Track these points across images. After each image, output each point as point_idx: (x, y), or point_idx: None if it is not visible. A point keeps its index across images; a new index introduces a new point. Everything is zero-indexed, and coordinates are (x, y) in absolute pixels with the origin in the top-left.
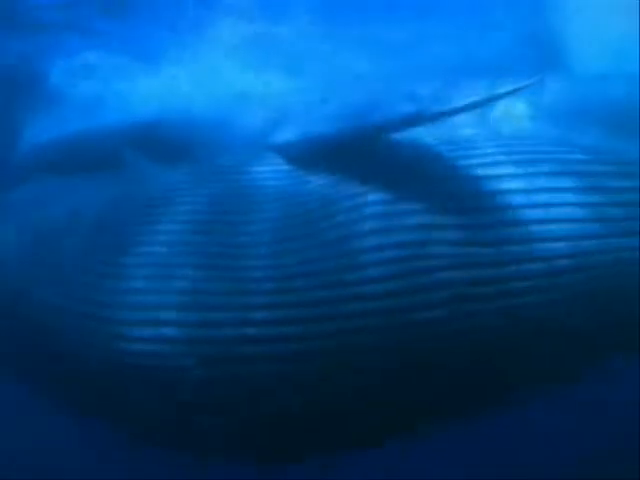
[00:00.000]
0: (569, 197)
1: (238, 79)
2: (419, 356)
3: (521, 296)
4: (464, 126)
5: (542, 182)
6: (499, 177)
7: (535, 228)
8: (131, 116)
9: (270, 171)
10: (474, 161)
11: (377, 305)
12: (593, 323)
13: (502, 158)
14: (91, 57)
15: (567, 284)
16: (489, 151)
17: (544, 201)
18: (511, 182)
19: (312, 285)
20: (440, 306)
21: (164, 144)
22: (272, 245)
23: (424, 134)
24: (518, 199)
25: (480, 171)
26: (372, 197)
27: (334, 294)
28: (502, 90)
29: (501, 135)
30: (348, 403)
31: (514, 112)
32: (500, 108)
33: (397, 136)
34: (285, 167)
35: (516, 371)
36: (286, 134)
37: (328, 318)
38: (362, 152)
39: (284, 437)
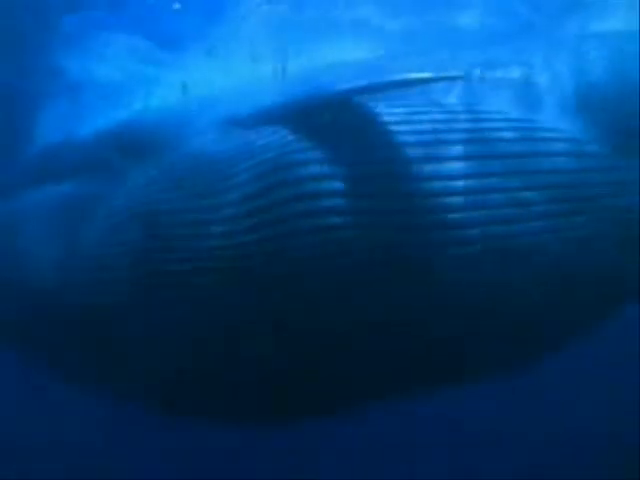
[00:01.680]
0: (490, 182)
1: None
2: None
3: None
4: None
5: (465, 167)
6: (424, 159)
7: (452, 215)
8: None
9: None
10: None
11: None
12: (508, 308)
13: (429, 137)
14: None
15: (482, 269)
16: (421, 128)
17: (464, 188)
18: (434, 166)
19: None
20: None
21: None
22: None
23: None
24: (438, 185)
25: (405, 153)
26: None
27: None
28: (437, 75)
29: (436, 111)
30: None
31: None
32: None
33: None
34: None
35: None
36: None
37: None
38: (311, 118)
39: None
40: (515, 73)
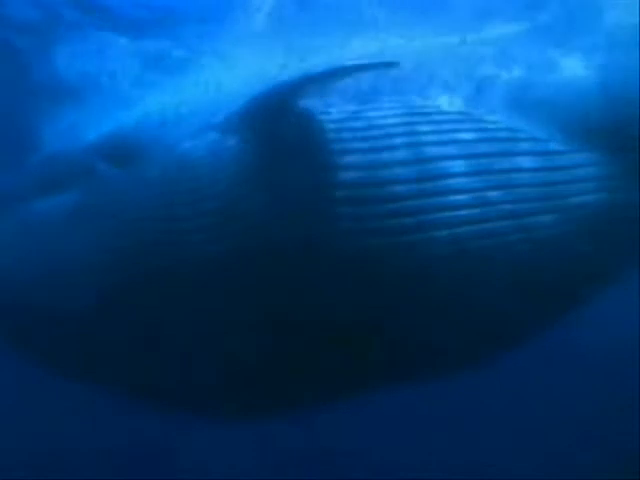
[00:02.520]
0: (455, 183)
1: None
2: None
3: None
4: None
5: (432, 169)
6: (391, 164)
7: (420, 217)
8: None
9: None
10: (365, 145)
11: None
12: (472, 308)
13: (397, 141)
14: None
15: (450, 270)
16: (384, 132)
17: (431, 190)
18: (402, 170)
19: None
20: None
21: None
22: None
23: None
24: (406, 189)
25: (370, 157)
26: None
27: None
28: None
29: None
30: None
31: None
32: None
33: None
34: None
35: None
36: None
37: None
38: (270, 119)
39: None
40: (478, 71)
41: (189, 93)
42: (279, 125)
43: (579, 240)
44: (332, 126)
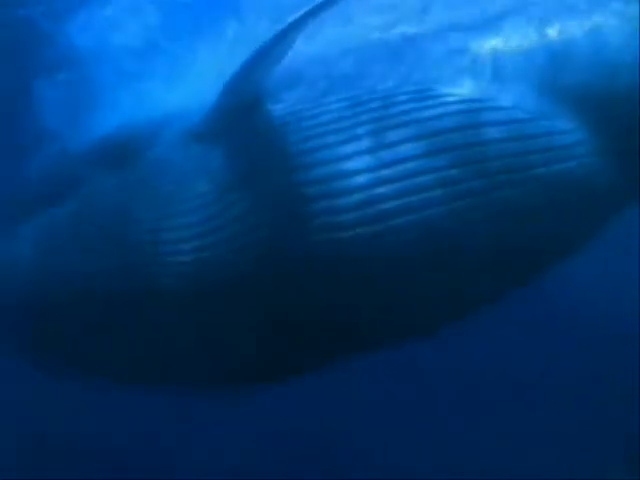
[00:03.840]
0: (416, 166)
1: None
2: None
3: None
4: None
5: (389, 155)
6: (347, 157)
7: (384, 205)
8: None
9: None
10: (329, 139)
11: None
12: (442, 285)
13: (357, 131)
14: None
15: (418, 253)
16: (347, 123)
17: (393, 176)
18: (359, 160)
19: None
20: None
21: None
22: None
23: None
24: (364, 179)
25: (334, 151)
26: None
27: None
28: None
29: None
30: None
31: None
32: None
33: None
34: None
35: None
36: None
37: None
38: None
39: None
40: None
41: (175, 92)
42: (247, 127)
43: (546, 211)
44: (295, 123)
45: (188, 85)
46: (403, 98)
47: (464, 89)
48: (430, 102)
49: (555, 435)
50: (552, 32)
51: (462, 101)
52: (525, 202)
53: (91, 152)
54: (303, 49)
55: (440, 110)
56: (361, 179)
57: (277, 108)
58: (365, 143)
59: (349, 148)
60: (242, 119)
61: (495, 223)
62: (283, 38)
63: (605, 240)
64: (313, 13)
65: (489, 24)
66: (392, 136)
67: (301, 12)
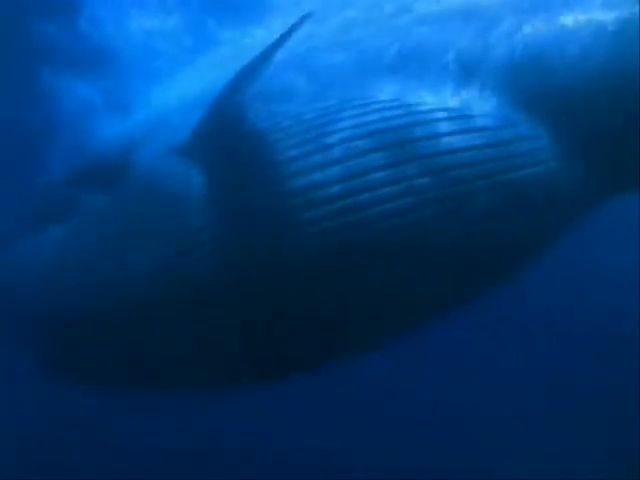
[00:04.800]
0: (384, 176)
1: None
2: None
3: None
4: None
5: (360, 164)
6: (314, 168)
7: (354, 215)
8: None
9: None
10: (305, 149)
11: None
12: (412, 292)
13: (329, 140)
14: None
15: (389, 261)
16: (318, 132)
17: (361, 186)
18: (327, 170)
19: None
20: None
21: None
22: None
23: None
24: (335, 189)
25: (308, 161)
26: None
27: None
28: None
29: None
30: None
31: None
32: None
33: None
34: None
35: None
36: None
37: None
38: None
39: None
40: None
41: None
42: (231, 144)
43: (515, 215)
44: (270, 135)
45: (167, 101)
46: (374, 107)
47: (433, 99)
48: (400, 111)
49: (554, 435)
50: (516, 41)
51: (430, 110)
52: (494, 207)
53: (80, 171)
54: (279, 60)
55: (409, 119)
56: (333, 189)
57: (255, 121)
58: (334, 152)
59: (320, 158)
60: (224, 136)
61: (465, 228)
62: (264, 60)
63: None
64: (288, 35)
65: (456, 34)
66: (363, 146)
67: (278, 37)
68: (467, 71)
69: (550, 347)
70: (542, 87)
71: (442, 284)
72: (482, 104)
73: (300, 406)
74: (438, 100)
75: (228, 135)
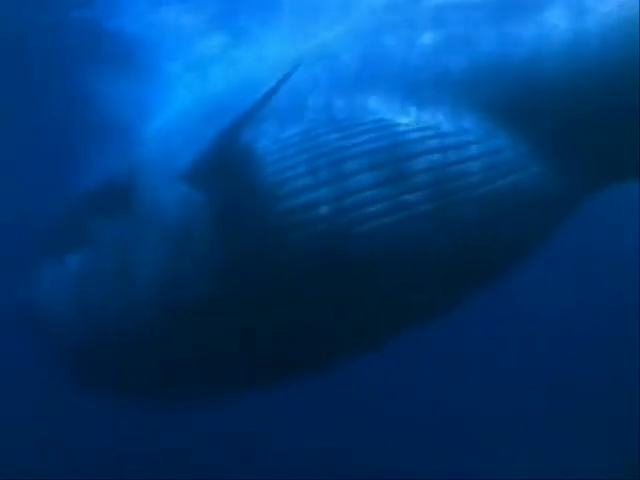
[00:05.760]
0: (372, 194)
1: None
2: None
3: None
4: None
5: (349, 185)
6: (306, 189)
7: (345, 233)
8: None
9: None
10: (297, 170)
11: None
12: (403, 302)
13: (320, 162)
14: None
15: (384, 273)
16: (309, 155)
17: (350, 205)
18: (316, 192)
19: None
20: None
21: None
22: None
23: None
24: (325, 210)
25: (300, 182)
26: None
27: None
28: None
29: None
30: None
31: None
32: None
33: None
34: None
35: None
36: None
37: None
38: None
39: None
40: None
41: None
42: (227, 170)
43: (501, 222)
44: (263, 158)
45: (170, 127)
46: (359, 129)
47: (413, 117)
48: (385, 132)
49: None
50: (487, 54)
51: (413, 129)
52: (480, 217)
53: (89, 198)
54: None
55: (394, 139)
56: (323, 210)
57: (248, 145)
58: (323, 174)
59: (310, 180)
60: (225, 164)
61: (453, 238)
62: (260, 105)
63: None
64: (282, 82)
65: (431, 52)
66: (350, 167)
67: (275, 81)
68: (443, 88)
69: (550, 347)
70: (515, 97)
71: (431, 292)
72: (460, 119)
73: (300, 406)
74: (418, 118)
75: (225, 162)
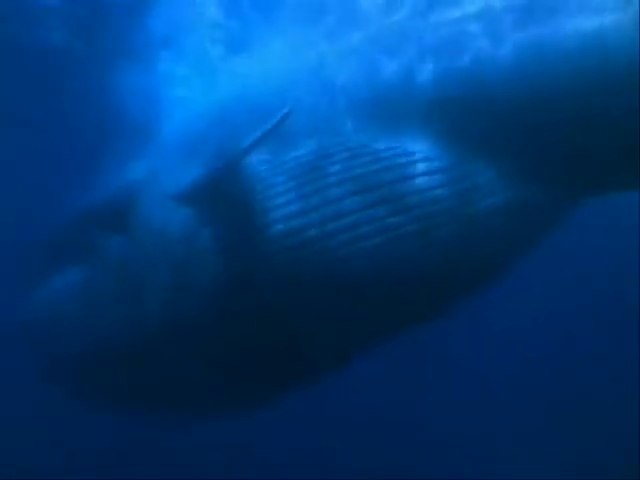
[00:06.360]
0: (358, 218)
1: None
2: None
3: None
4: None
5: (335, 210)
6: (296, 214)
7: (332, 255)
8: None
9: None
10: (287, 197)
11: None
12: (382, 320)
13: (295, 194)
14: None
15: (368, 291)
16: (298, 182)
17: (337, 228)
18: (303, 218)
19: None
20: None
21: None
22: None
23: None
24: (312, 233)
25: (289, 208)
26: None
27: None
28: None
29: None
30: None
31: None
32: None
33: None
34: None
35: None
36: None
37: None
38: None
39: None
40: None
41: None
42: (221, 194)
43: (475, 244)
44: (256, 185)
45: (163, 145)
46: (342, 156)
47: (396, 144)
48: (369, 158)
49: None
50: (455, 85)
51: (395, 155)
52: (460, 237)
53: (89, 215)
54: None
55: (375, 166)
56: (311, 233)
57: (242, 171)
58: (312, 200)
59: (296, 206)
60: (219, 188)
61: (435, 257)
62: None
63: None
64: (275, 128)
65: (407, 81)
66: (333, 193)
67: (263, 130)
68: (421, 116)
69: (550, 348)
70: (486, 125)
71: (414, 306)
72: (437, 146)
73: (299, 406)
74: (401, 145)
75: (219, 187)
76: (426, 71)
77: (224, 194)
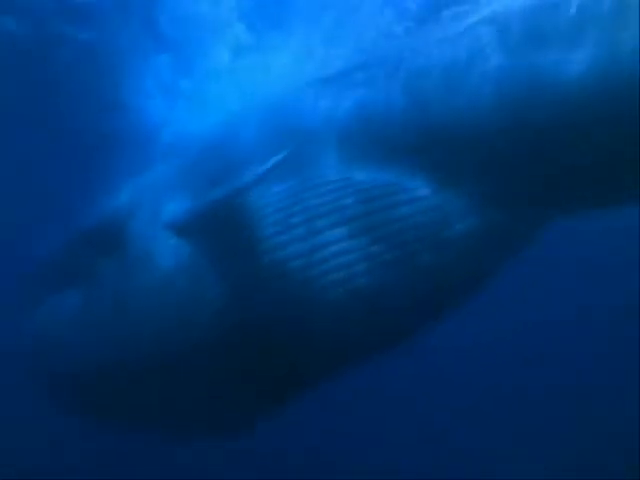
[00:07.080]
0: (342, 248)
1: None
2: None
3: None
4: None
5: (320, 240)
6: (283, 245)
7: (317, 284)
8: None
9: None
10: (274, 229)
11: None
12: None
13: (294, 220)
14: None
15: (353, 315)
16: (284, 214)
17: (322, 258)
18: (292, 247)
19: None
20: None
21: None
22: None
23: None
24: (296, 264)
25: (276, 240)
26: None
27: None
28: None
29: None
30: None
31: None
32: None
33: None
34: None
35: None
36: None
37: None
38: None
39: None
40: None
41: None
42: (225, 228)
43: (450, 268)
44: (245, 216)
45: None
46: (327, 188)
47: (375, 176)
48: (350, 190)
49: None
50: (437, 123)
51: (376, 186)
52: (435, 262)
53: (84, 237)
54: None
55: (359, 197)
56: (295, 264)
57: (237, 203)
58: (297, 231)
59: (284, 238)
60: (211, 219)
61: (413, 282)
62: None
63: None
64: (268, 172)
65: (387, 113)
66: (318, 224)
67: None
68: (399, 150)
69: (549, 348)
70: (459, 158)
71: (394, 326)
72: (413, 177)
73: (299, 406)
74: (379, 177)
75: (211, 218)
76: (406, 105)
77: (217, 224)
